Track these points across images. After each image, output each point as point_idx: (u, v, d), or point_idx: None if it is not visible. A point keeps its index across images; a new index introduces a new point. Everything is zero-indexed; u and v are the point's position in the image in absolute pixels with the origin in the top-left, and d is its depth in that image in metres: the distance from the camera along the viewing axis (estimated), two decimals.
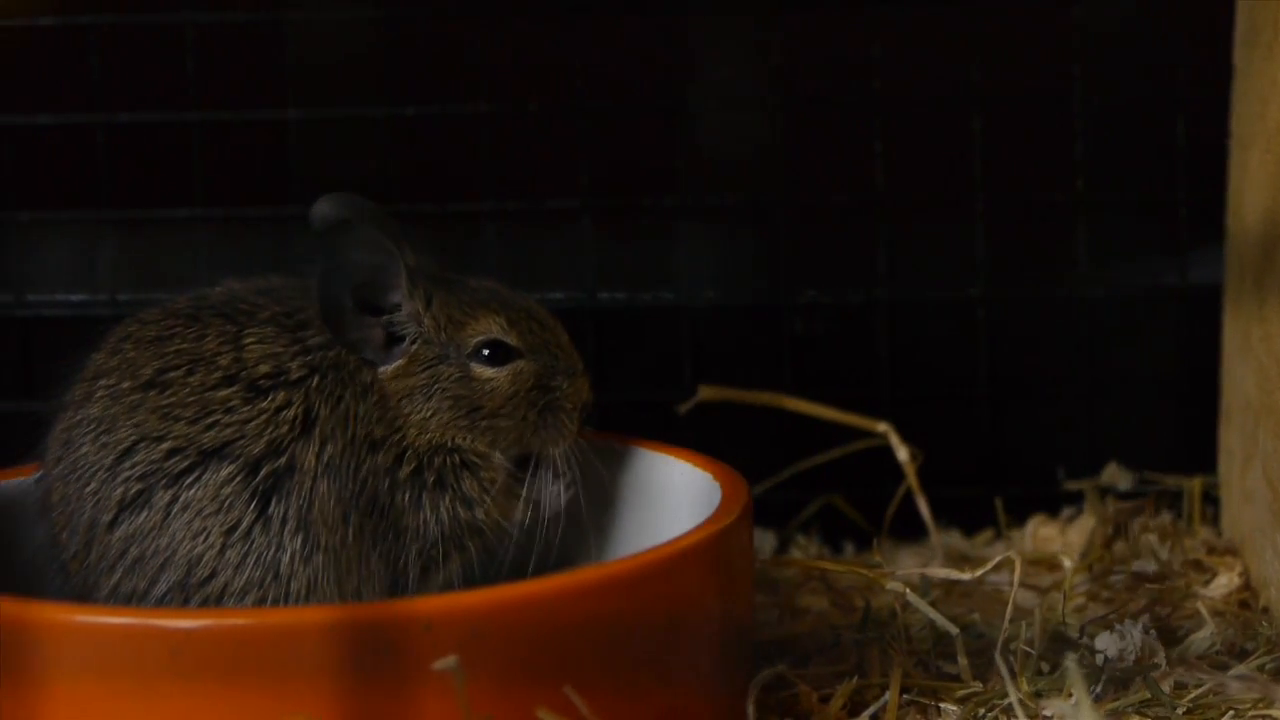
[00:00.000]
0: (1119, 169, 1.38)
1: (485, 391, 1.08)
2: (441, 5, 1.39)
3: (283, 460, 1.03)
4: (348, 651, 0.89)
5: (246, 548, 1.02)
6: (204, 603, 1.01)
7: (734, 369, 1.36)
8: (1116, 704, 1.06)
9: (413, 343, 1.08)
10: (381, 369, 1.07)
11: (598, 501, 1.13)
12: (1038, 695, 1.07)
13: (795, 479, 1.37)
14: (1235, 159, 1.32)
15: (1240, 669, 1.11)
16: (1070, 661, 1.01)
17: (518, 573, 1.08)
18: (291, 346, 1.06)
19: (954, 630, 1.11)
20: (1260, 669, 1.11)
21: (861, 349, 1.41)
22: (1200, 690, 1.07)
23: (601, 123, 1.39)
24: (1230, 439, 1.33)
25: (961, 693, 1.09)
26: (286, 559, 1.02)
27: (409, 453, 1.06)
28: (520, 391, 1.09)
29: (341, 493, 1.03)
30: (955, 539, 1.38)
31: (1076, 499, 1.39)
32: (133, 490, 1.02)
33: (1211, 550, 1.29)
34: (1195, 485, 1.34)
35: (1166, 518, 1.33)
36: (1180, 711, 1.05)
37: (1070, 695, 1.06)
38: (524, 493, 1.10)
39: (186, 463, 1.02)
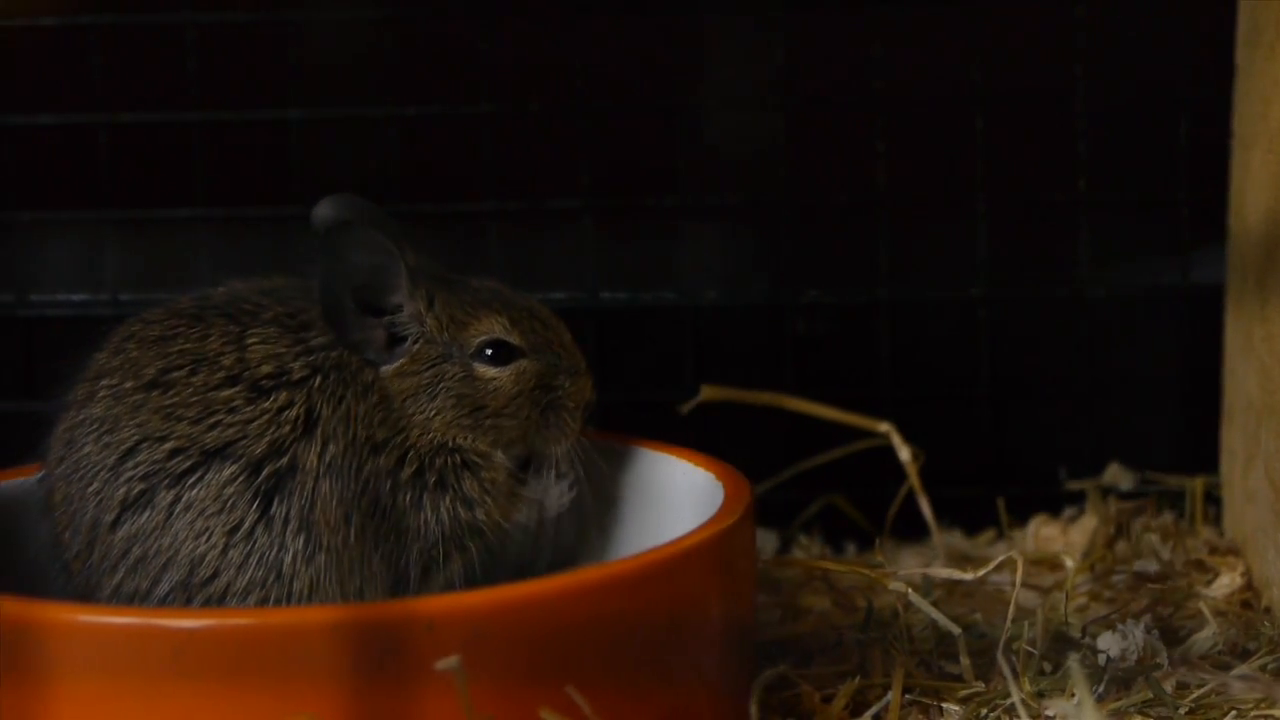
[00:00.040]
0: (1121, 169, 1.38)
1: (488, 391, 1.08)
2: (442, 5, 1.39)
3: (285, 460, 1.03)
4: (350, 651, 0.89)
5: (249, 548, 1.02)
6: (206, 603, 1.01)
7: (736, 369, 1.36)
8: (1119, 704, 1.06)
9: (415, 343, 1.08)
10: (384, 369, 1.07)
11: (600, 501, 1.13)
12: (1040, 695, 1.07)
13: (797, 479, 1.37)
14: (1237, 159, 1.32)
15: (1243, 669, 1.11)
16: (1073, 661, 1.01)
17: (522, 573, 1.08)
18: (294, 347, 1.06)
19: (956, 630, 1.11)
20: (1263, 669, 1.11)
21: (863, 349, 1.41)
22: (1203, 690, 1.07)
23: (603, 123, 1.39)
24: (1232, 439, 1.33)
25: (964, 693, 1.09)
26: (289, 559, 1.02)
27: (411, 453, 1.06)
28: (523, 391, 1.09)
29: (344, 493, 1.03)
30: (957, 539, 1.38)
31: (1078, 499, 1.39)
32: (135, 490, 1.02)
33: (1214, 550, 1.29)
34: (1197, 485, 1.34)
35: (1168, 518, 1.33)
36: (1182, 711, 1.05)
37: (1073, 695, 1.06)
38: (528, 493, 1.09)
39: (189, 463, 1.02)
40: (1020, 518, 1.38)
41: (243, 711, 0.90)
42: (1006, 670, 1.06)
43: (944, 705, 1.08)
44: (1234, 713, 1.05)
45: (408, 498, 1.06)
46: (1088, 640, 1.14)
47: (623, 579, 0.96)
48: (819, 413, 1.32)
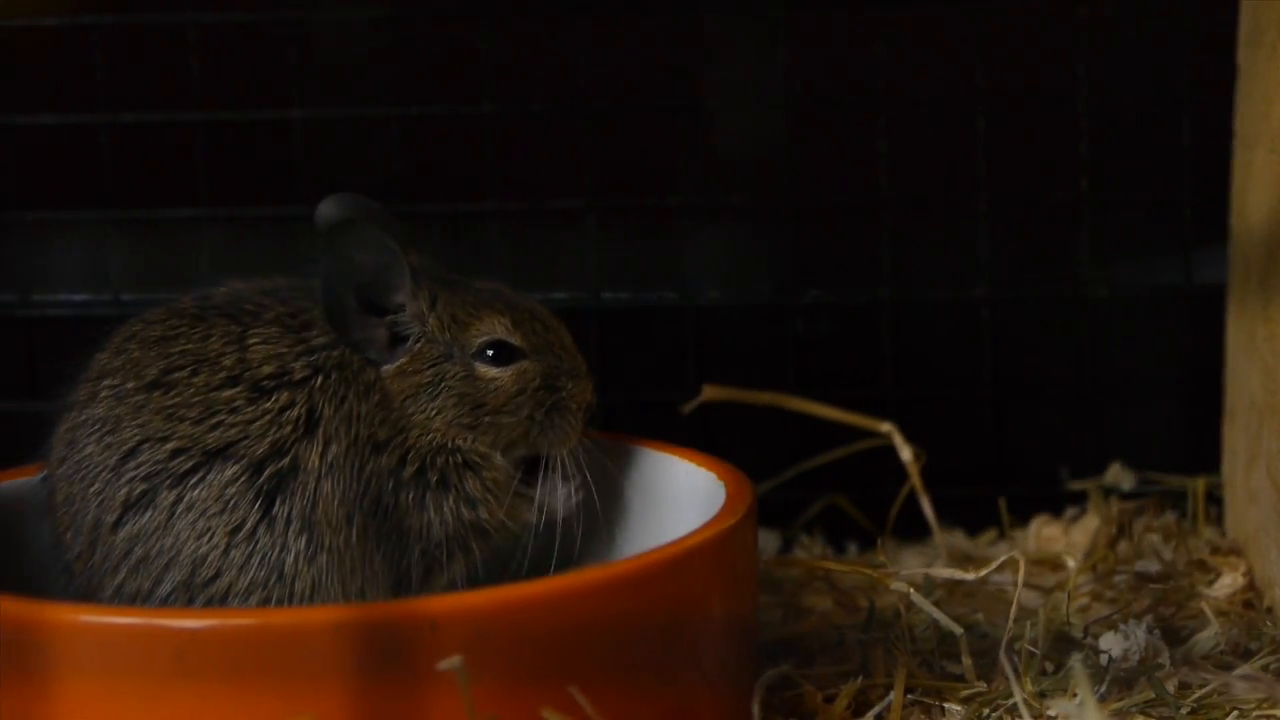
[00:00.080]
0: (1123, 169, 1.38)
1: (489, 391, 1.08)
2: (445, 5, 1.39)
3: (286, 461, 1.03)
4: (353, 651, 0.89)
5: (251, 548, 1.02)
6: (208, 603, 1.01)
7: (738, 369, 1.36)
8: (1121, 704, 1.06)
9: (416, 342, 1.08)
10: (385, 369, 1.07)
11: (602, 501, 1.13)
12: (1042, 695, 1.07)
13: (799, 479, 1.37)
14: (1239, 159, 1.32)
15: (1245, 669, 1.11)
16: (1075, 661, 1.01)
17: (526, 575, 1.08)
18: (295, 347, 1.06)
19: (958, 630, 1.11)
20: (1265, 669, 1.11)
21: (865, 349, 1.41)
22: (1205, 690, 1.07)
23: (605, 123, 1.38)
24: (1234, 439, 1.33)
25: (966, 693, 1.09)
26: (291, 559, 1.02)
27: (412, 453, 1.06)
28: (524, 391, 1.09)
29: (345, 493, 1.03)
30: (959, 539, 1.38)
31: (1080, 499, 1.39)
32: (137, 490, 1.02)
33: (1215, 550, 1.29)
34: (1199, 485, 1.34)
35: (1170, 518, 1.33)
36: (1184, 711, 1.05)
37: (1075, 695, 1.06)
38: (535, 495, 1.09)
39: (191, 463, 1.02)
40: (1022, 518, 1.38)
41: (245, 712, 0.90)
42: (1009, 670, 1.06)
43: (946, 705, 1.08)
44: (1236, 713, 1.05)
45: (410, 497, 1.06)
46: (1090, 640, 1.14)
47: (625, 579, 0.96)
48: (821, 413, 1.32)
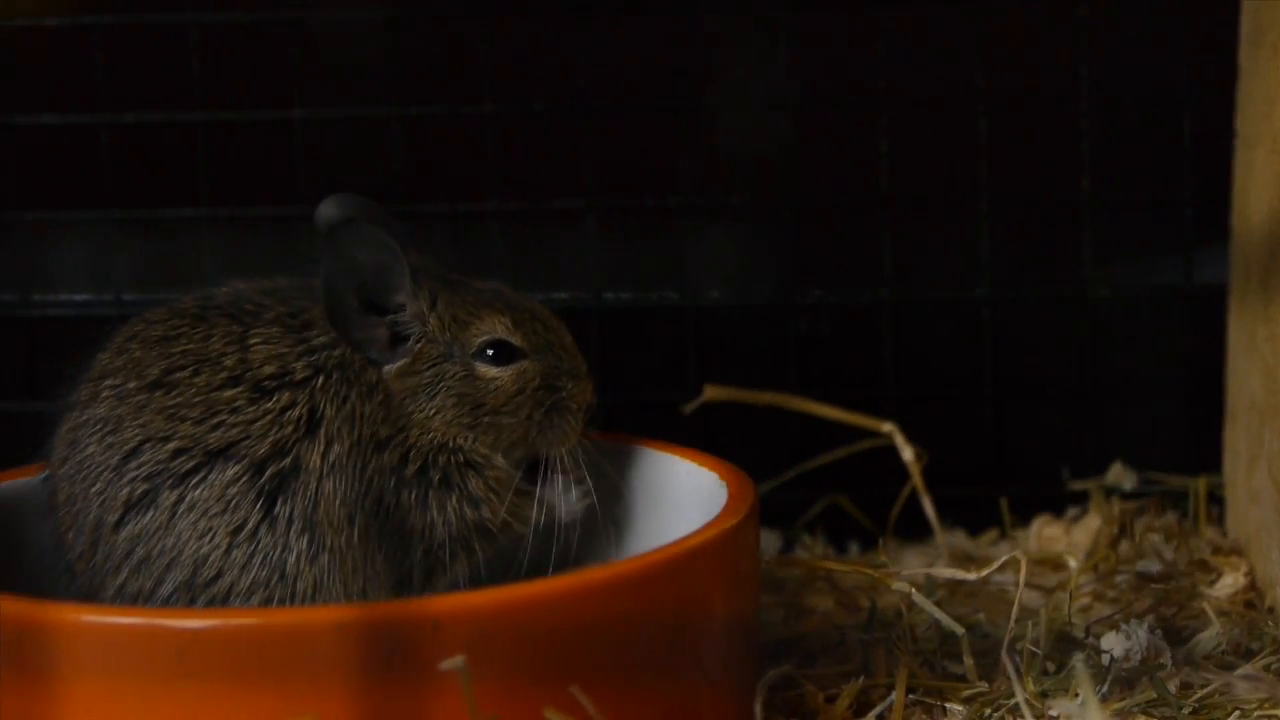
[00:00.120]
0: (1124, 169, 1.38)
1: (489, 391, 1.08)
2: (445, 5, 1.39)
3: (288, 461, 1.03)
4: (355, 651, 0.89)
5: (252, 548, 1.02)
6: (210, 603, 1.01)
7: (739, 369, 1.36)
8: (1123, 704, 1.06)
9: (417, 342, 1.08)
10: (386, 368, 1.07)
11: (603, 502, 1.13)
12: (1044, 695, 1.07)
13: (800, 479, 1.37)
14: (1240, 159, 1.32)
15: (1246, 669, 1.11)
16: (1077, 661, 1.01)
17: (529, 577, 1.08)
18: (296, 347, 1.06)
19: (959, 630, 1.11)
20: (1266, 669, 1.11)
21: (867, 349, 1.41)
22: (1206, 690, 1.07)
23: (606, 123, 1.39)
24: (1235, 439, 1.33)
25: (967, 693, 1.09)
26: (292, 559, 1.02)
27: (414, 451, 1.06)
28: (525, 391, 1.09)
29: (347, 493, 1.03)
30: (960, 539, 1.38)
31: (1081, 499, 1.39)
32: (139, 490, 1.02)
33: (1217, 550, 1.29)
34: (1200, 485, 1.34)
35: (1172, 518, 1.33)
36: (1186, 711, 1.05)
37: (1076, 695, 1.06)
38: (537, 494, 1.09)
39: (192, 463, 1.02)
40: (1023, 518, 1.38)
41: (247, 712, 0.90)
42: (1010, 670, 1.06)
43: (947, 705, 1.08)
44: (1238, 713, 1.05)
45: (412, 495, 1.06)
46: (1091, 640, 1.14)
47: (627, 579, 0.96)
48: (822, 413, 1.32)
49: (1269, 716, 1.05)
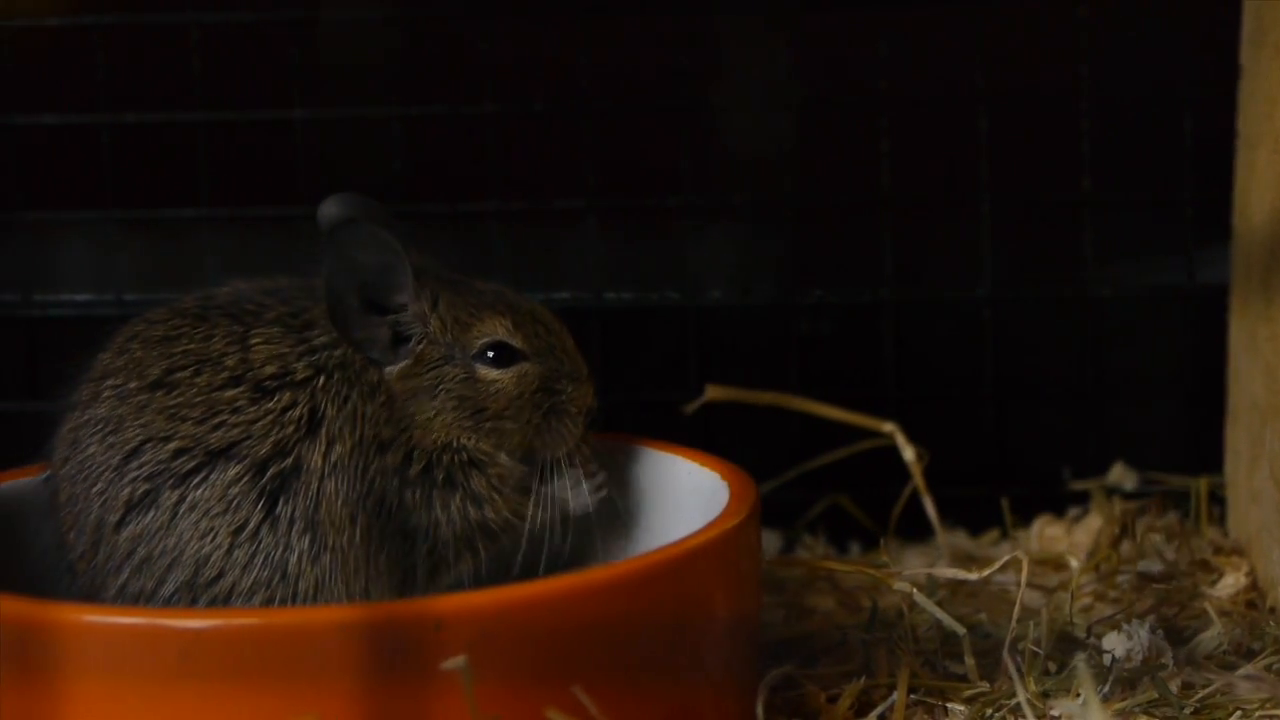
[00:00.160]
0: (1125, 168, 1.38)
1: (490, 393, 1.08)
2: (446, 5, 1.39)
3: (289, 461, 1.03)
4: (357, 651, 0.89)
5: (254, 548, 1.02)
6: (212, 603, 1.01)
7: (740, 369, 1.36)
8: (1124, 704, 1.06)
9: (419, 343, 1.07)
10: (388, 369, 1.07)
11: (605, 502, 1.13)
12: (1045, 695, 1.07)
13: (801, 479, 1.37)
14: (1242, 158, 1.32)
15: (1248, 669, 1.11)
16: (1078, 661, 1.01)
17: (526, 575, 1.08)
18: (297, 347, 1.06)
19: (961, 630, 1.11)
20: (1268, 669, 1.11)
21: (868, 349, 1.41)
22: (1208, 690, 1.07)
23: (607, 123, 1.39)
24: (1237, 439, 1.33)
25: (969, 693, 1.09)
26: (294, 559, 1.02)
27: (417, 451, 1.06)
28: (525, 393, 1.09)
29: (349, 493, 1.03)
30: (961, 539, 1.38)
31: (1082, 499, 1.39)
32: (140, 490, 1.02)
33: (1218, 550, 1.29)
34: (1202, 485, 1.34)
35: (1173, 518, 1.33)
36: (1188, 711, 1.05)
37: (1078, 695, 1.06)
38: (541, 491, 1.09)
39: (193, 463, 1.02)
40: (1024, 518, 1.38)
41: (249, 712, 0.90)
42: (1012, 670, 1.06)
43: (949, 705, 1.08)
44: (1239, 713, 1.05)
45: (416, 495, 1.05)
46: (1093, 640, 1.14)
47: (629, 579, 0.96)
48: (824, 413, 1.32)
49: (1270, 716, 1.05)
